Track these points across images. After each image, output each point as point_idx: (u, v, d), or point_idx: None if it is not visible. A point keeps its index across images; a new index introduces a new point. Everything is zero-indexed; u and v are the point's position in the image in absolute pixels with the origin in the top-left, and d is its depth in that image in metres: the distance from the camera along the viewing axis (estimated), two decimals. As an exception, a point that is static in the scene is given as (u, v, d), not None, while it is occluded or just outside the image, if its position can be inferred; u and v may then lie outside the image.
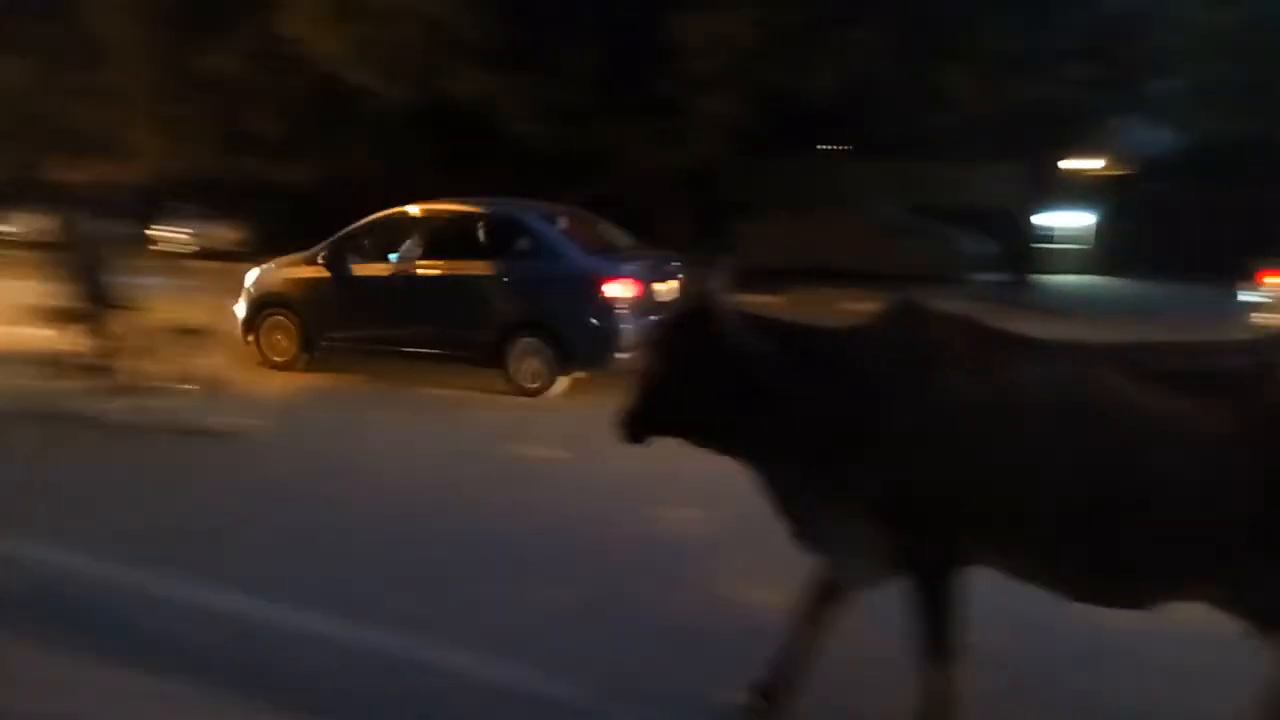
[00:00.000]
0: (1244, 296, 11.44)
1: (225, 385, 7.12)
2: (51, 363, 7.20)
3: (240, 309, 9.59)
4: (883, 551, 2.91)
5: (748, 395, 2.97)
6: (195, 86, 20.29)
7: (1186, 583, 2.75)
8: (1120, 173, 20.06)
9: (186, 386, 7.00)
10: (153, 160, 21.56)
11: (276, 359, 9.31)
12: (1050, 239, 19.79)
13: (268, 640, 3.75)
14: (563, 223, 8.99)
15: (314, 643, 3.73)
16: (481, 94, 16.02)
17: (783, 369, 2.96)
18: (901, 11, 14.81)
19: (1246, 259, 11.47)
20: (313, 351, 9.26)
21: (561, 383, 8.38)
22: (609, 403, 3.17)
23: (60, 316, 7.21)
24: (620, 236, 9.79)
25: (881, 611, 3.02)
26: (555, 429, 7.09)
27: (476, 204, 9.56)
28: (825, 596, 3.12)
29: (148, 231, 21.98)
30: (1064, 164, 18.23)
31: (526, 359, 8.42)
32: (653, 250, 9.54)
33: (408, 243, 9.12)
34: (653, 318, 8.25)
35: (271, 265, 9.79)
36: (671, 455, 3.23)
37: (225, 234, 22.06)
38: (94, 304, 7.18)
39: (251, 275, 9.76)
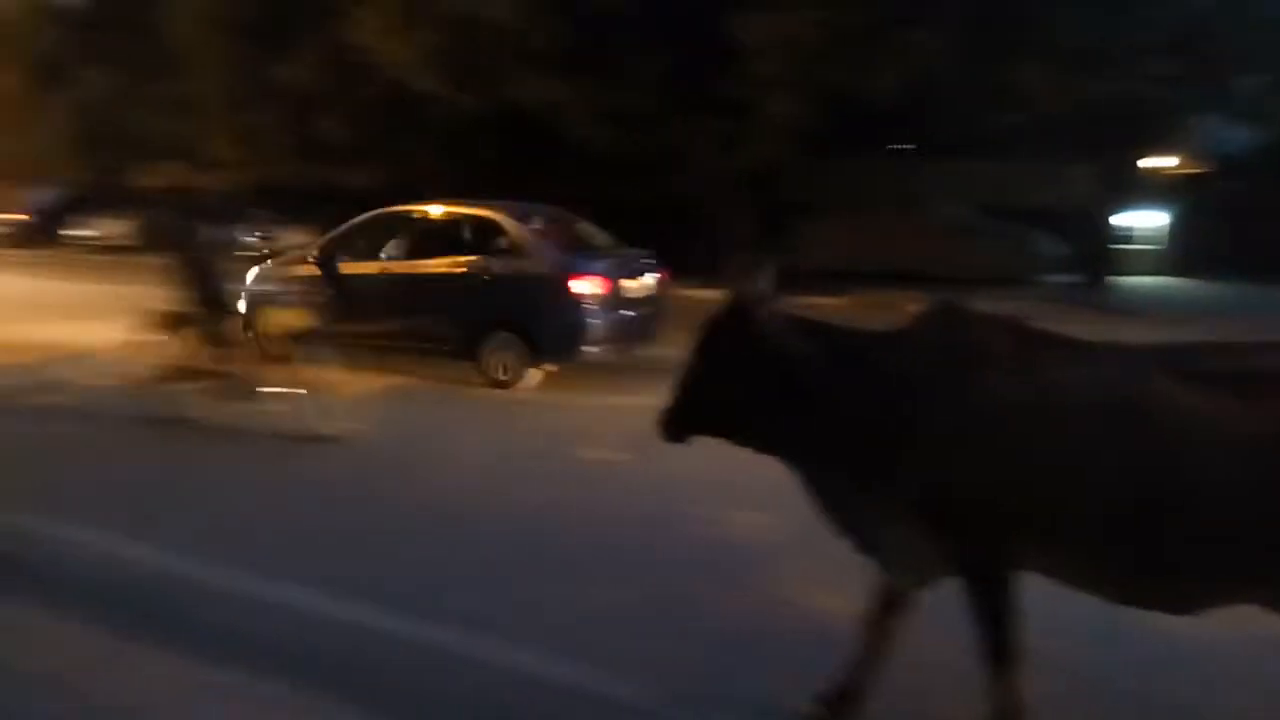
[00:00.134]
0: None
1: (332, 389, 7.03)
2: (162, 366, 7.22)
3: (241, 304, 9.86)
4: (928, 553, 2.91)
5: (787, 396, 2.97)
6: (268, 95, 20.83)
7: (1234, 585, 2.70)
8: (1196, 171, 19.49)
9: (294, 390, 6.95)
10: (228, 167, 22.16)
11: (270, 352, 9.59)
12: (1129, 239, 19.31)
13: (332, 635, 3.81)
14: (537, 223, 9.40)
15: (379, 638, 3.78)
16: (545, 99, 16.13)
17: (822, 370, 2.96)
18: (969, 8, 14.56)
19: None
20: (309, 346, 9.50)
21: (533, 375, 8.71)
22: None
23: (173, 321, 7.22)
24: (598, 236, 10.17)
25: (947, 615, 2.97)
26: (617, 430, 7.12)
27: (455, 205, 10.00)
28: (890, 603, 3.09)
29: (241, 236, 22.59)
30: (1141, 163, 17.77)
31: (498, 352, 8.79)
32: (627, 249, 9.96)
33: (391, 242, 9.73)
34: (623, 313, 9.02)
35: (270, 263, 10.34)
36: (734, 458, 3.22)
37: (294, 238, 22.50)
38: (207, 308, 7.18)
39: (252, 273, 10.10)
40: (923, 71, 14.37)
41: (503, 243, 9.14)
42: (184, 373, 7.16)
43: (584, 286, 8.71)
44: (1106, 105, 14.08)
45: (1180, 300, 16.01)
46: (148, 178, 24.07)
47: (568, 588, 4.33)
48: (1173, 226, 20.14)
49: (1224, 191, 18.40)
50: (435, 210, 9.89)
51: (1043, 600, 2.91)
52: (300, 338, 7.20)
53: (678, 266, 14.36)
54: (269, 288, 9.71)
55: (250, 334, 9.53)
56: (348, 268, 9.59)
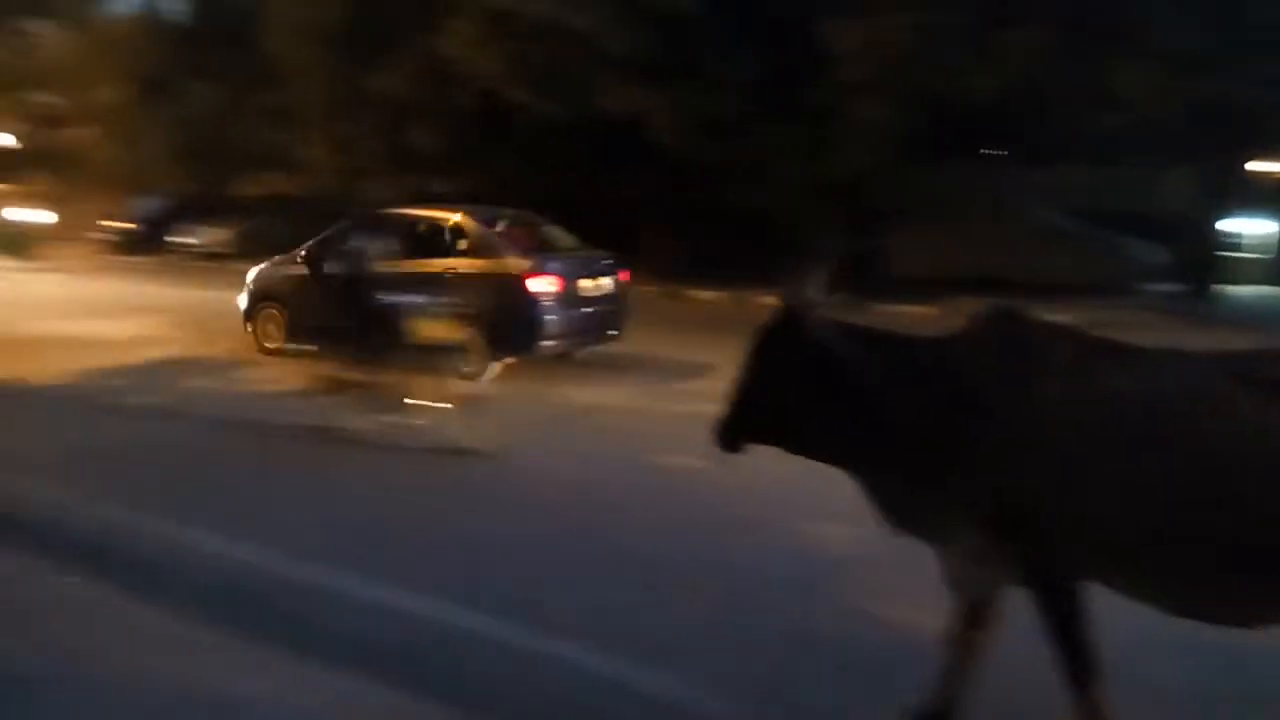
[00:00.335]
0: None
1: (480, 401, 6.88)
2: (310, 376, 7.29)
3: (242, 302, 10.87)
4: (988, 560, 2.86)
5: (839, 402, 2.96)
6: (363, 105, 21.37)
7: None
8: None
9: (440, 404, 6.83)
10: (325, 176, 22.79)
11: (269, 345, 10.52)
12: (1237, 247, 18.51)
13: (420, 635, 3.86)
14: (501, 226, 10.17)
15: (463, 638, 3.82)
16: (631, 107, 16.19)
17: (874, 376, 2.93)
18: (1067, 8, 14.15)
19: None
20: (297, 340, 10.09)
21: (493, 369, 9.08)
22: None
23: (322, 333, 7.31)
24: (563, 238, 10.89)
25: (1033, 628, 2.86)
26: (694, 438, 7.06)
27: (426, 208, 10.87)
28: (974, 617, 3.01)
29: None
30: (1248, 167, 17.03)
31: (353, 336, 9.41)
32: (588, 250, 10.68)
33: (371, 243, 10.19)
34: (579, 310, 9.64)
35: (267, 264, 11.09)
36: (813, 465, 3.17)
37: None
38: (355, 319, 7.20)
39: (252, 273, 11.04)
40: (1019, 74, 14.00)
41: (466, 244, 9.82)
42: (331, 383, 7.15)
43: (540, 285, 9.32)
44: (1211, 107, 13.54)
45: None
46: (250, 186, 24.89)
47: (650, 595, 4.31)
48: (1282, 234, 19.27)
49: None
50: (409, 214, 10.75)
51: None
52: (449, 349, 7.14)
53: (760, 275, 14.27)
54: (263, 286, 10.79)
55: (250, 329, 10.71)
56: (332, 268, 10.07)
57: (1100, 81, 14.04)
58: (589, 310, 9.82)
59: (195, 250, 23.44)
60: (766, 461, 3.21)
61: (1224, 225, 17.13)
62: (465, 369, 7.12)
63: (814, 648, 3.81)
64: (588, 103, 16.91)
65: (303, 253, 10.64)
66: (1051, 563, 2.79)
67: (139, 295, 15.01)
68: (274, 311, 10.63)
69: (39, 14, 25.91)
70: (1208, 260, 16.33)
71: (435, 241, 10.01)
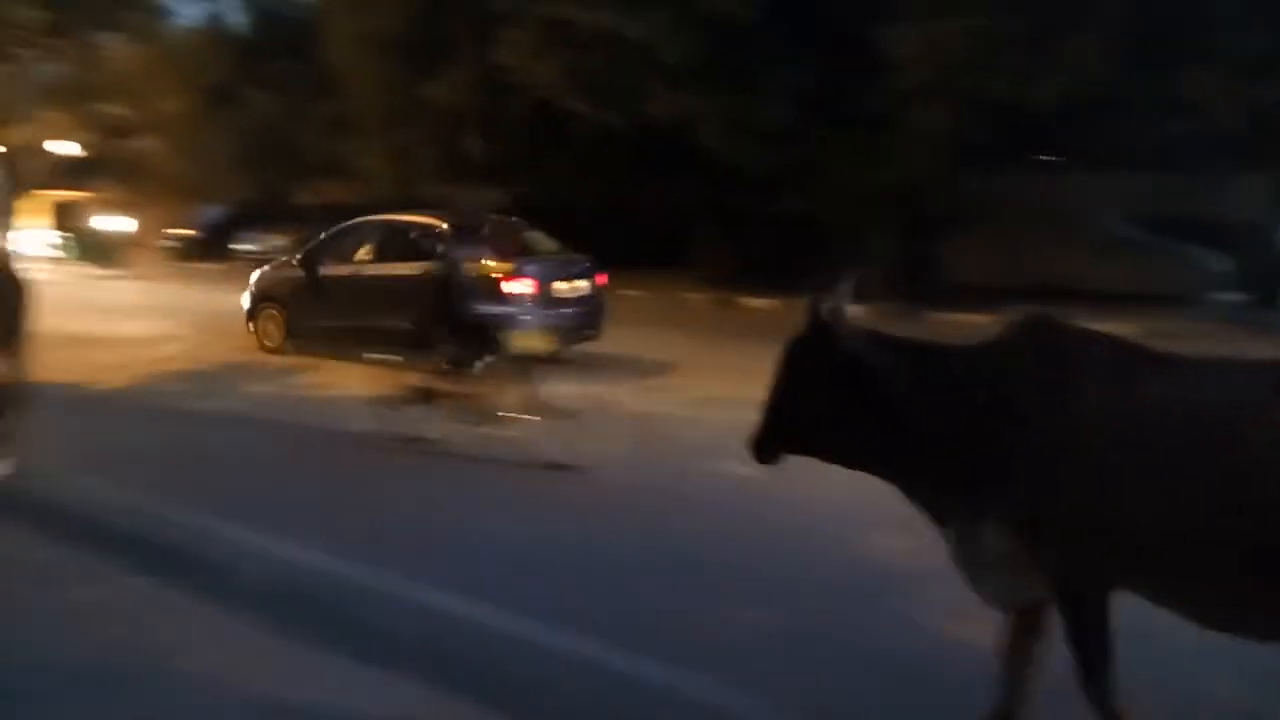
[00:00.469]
0: None
1: (573, 415, 6.60)
2: (401, 385, 7.15)
3: (245, 302, 11.43)
4: (1023, 569, 2.83)
5: (872, 412, 2.96)
6: (419, 113, 21.64)
7: None
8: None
9: (532, 416, 6.72)
10: (382, 183, 23.12)
11: (268, 344, 11.09)
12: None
13: (473, 641, 3.89)
14: (484, 230, 10.48)
15: (531, 650, 3.83)
16: (685, 114, 16.20)
17: (906, 384, 2.93)
18: (1132, 13, 13.88)
19: None
20: (295, 339, 10.86)
21: (475, 366, 9.60)
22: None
23: (416, 342, 7.19)
24: (544, 242, 11.42)
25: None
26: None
27: (412, 214, 11.38)
28: (1027, 628, 2.98)
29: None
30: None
31: (444, 345, 9.45)
32: (567, 254, 11.21)
33: (362, 247, 11.03)
34: (553, 310, 10.15)
35: (268, 267, 11.74)
36: (873, 478, 3.15)
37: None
38: (449, 331, 7.04)
39: (254, 275, 11.63)
40: (1082, 79, 13.76)
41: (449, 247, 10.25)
42: (422, 393, 7.03)
43: (516, 287, 9.79)
44: (1277, 112, 13.20)
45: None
46: (310, 194, 25.31)
47: (710, 605, 4.29)
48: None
49: None
50: (399, 219, 11.27)
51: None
52: (542, 361, 7.02)
53: (813, 283, 14.18)
54: (264, 288, 11.29)
55: (252, 328, 11.23)
56: (326, 270, 10.86)
57: (1165, 87, 13.75)
58: (565, 310, 10.38)
59: (256, 257, 23.90)
60: (822, 471, 3.20)
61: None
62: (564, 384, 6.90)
63: (870, 659, 3.78)
64: (642, 111, 16.95)
65: (299, 256, 11.33)
66: (1080, 571, 2.76)
67: (206, 301, 15.34)
68: (274, 312, 11.17)
69: (108, 27, 26.59)
70: (1273, 269, 15.88)
71: (421, 245, 10.40)
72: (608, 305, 11.08)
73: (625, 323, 11.41)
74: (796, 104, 15.42)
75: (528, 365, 6.91)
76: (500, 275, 9.80)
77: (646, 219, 19.54)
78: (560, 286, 10.35)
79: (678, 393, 8.87)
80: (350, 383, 9.46)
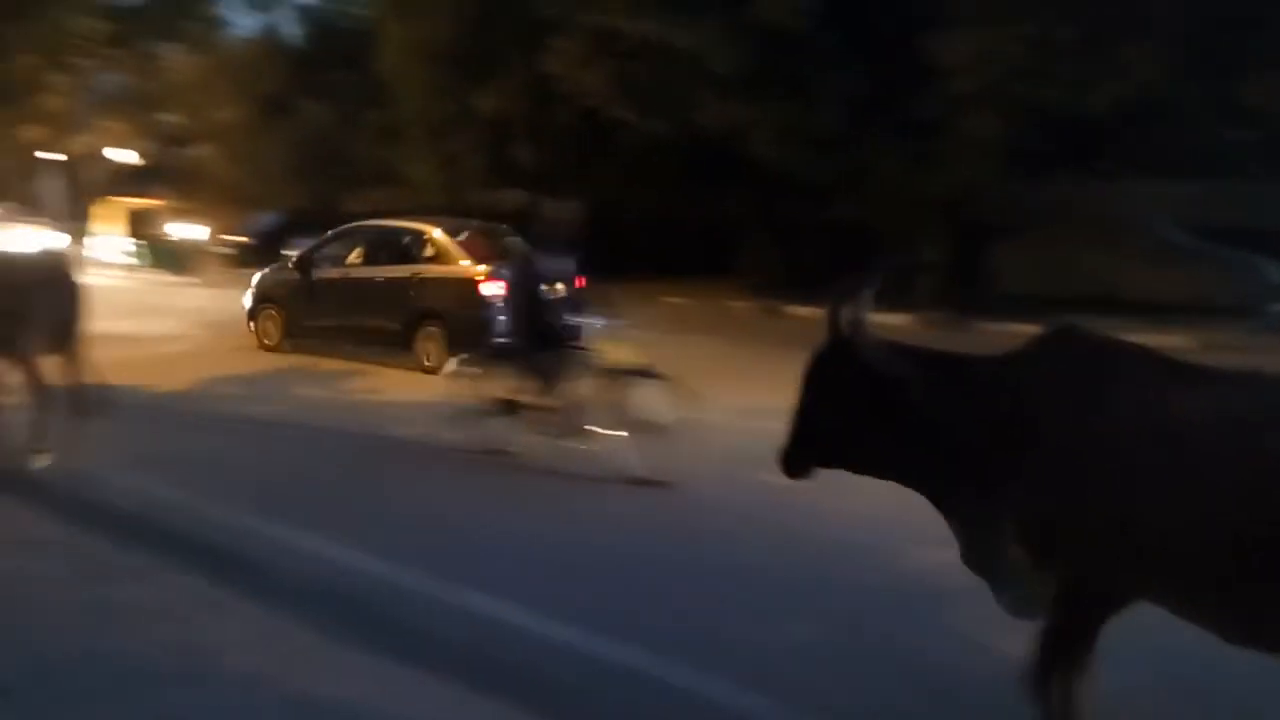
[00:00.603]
0: None
1: (660, 431, 6.37)
2: (483, 397, 6.99)
3: (246, 302, 12.05)
4: (1040, 579, 2.85)
5: (896, 424, 2.98)
6: (467, 122, 21.86)
7: None
8: None
9: (618, 431, 6.52)
10: (431, 191, 23.37)
11: (267, 342, 11.70)
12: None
13: (522, 648, 3.89)
14: (464, 235, 11.13)
15: (561, 653, 3.84)
16: (734, 122, 16.17)
17: (929, 396, 2.94)
18: (1191, 17, 13.61)
19: None
20: (292, 338, 11.49)
21: (451, 363, 9.77)
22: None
23: (497, 353, 7.00)
24: (523, 248, 11.38)
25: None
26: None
27: (399, 220, 12.37)
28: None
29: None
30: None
31: (427, 342, 10.43)
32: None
33: (354, 251, 11.67)
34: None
35: (268, 270, 12.36)
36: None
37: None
38: (534, 341, 6.79)
39: (255, 278, 12.32)
40: (1136, 86, 13.51)
41: (431, 251, 10.95)
42: (505, 405, 6.89)
43: (492, 288, 9.89)
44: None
45: None
46: (360, 202, 25.65)
47: (751, 615, 4.27)
48: None
49: None
50: (387, 224, 12.27)
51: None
52: (632, 374, 6.65)
53: (832, 288, 14.04)
54: (263, 289, 11.85)
55: (252, 327, 11.85)
56: (320, 273, 11.51)
57: (1220, 93, 13.47)
58: None
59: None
60: (864, 482, 3.21)
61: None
62: (653, 398, 6.54)
63: (918, 674, 3.73)
64: (690, 119, 16.96)
65: (295, 259, 11.97)
66: (1090, 580, 2.76)
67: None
68: (273, 312, 11.77)
69: (167, 38, 27.20)
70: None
71: (407, 249, 11.24)
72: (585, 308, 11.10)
73: (671, 331, 11.41)
74: (847, 111, 15.32)
75: (615, 378, 6.61)
76: (477, 278, 10.29)
77: (693, 227, 19.54)
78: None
79: (722, 401, 8.81)
80: (400, 388, 9.57)
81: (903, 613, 4.33)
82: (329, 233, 12.27)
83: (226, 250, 25.94)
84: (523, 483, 6.48)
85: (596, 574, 4.79)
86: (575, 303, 6.95)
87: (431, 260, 10.93)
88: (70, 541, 4.96)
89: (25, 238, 19.85)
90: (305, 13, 29.50)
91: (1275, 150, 14.41)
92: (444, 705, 3.44)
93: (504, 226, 12.64)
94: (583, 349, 6.74)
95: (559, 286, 7.04)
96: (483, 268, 10.42)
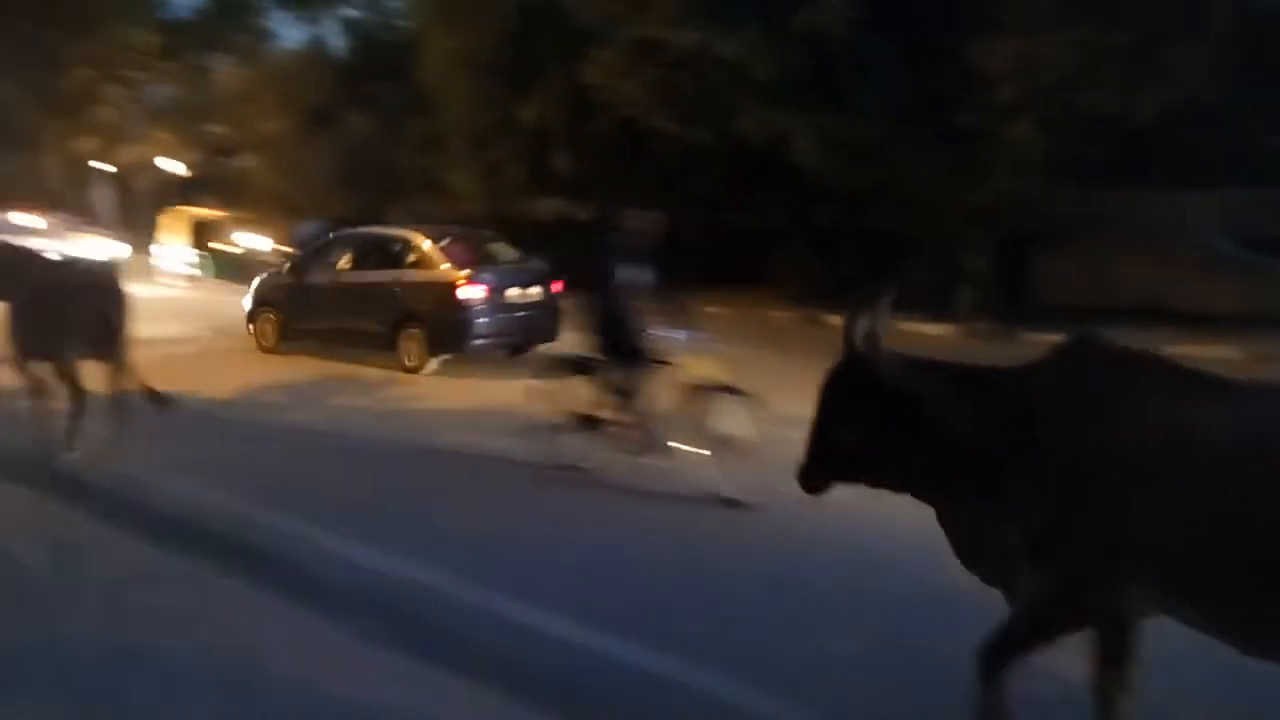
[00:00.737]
0: None
1: (745, 451, 6.12)
2: (560, 412, 6.75)
3: (246, 305, 12.57)
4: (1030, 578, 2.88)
5: (914, 438, 2.99)
6: (508, 131, 22.02)
7: None
8: None
9: (701, 449, 6.30)
10: (472, 200, 23.56)
11: (265, 343, 12.18)
12: None
13: (572, 660, 3.90)
14: (445, 241, 11.53)
15: (614, 668, 3.84)
16: (774, 131, 16.12)
17: (948, 410, 2.95)
18: (1238, 24, 13.36)
19: None
20: (287, 340, 12.00)
21: (432, 363, 10.78)
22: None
23: (576, 365, 6.76)
24: (505, 252, 12.46)
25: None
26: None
27: (384, 228, 13.28)
28: (1113, 655, 2.91)
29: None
30: None
31: (409, 343, 10.88)
32: (524, 264, 12.20)
33: (345, 256, 12.16)
34: (506, 315, 11.09)
35: (267, 275, 12.91)
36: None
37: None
38: (616, 354, 6.50)
39: (254, 282, 12.83)
40: (1187, 93, 13.27)
41: (414, 256, 11.36)
42: (583, 420, 6.64)
43: (469, 292, 10.74)
44: None
45: None
46: (403, 211, 25.92)
47: (794, 628, 4.24)
48: None
49: None
50: (374, 231, 12.92)
51: None
52: (715, 389, 6.37)
53: (903, 300, 13.92)
54: (262, 293, 12.36)
55: (251, 329, 12.34)
56: (313, 278, 12.04)
57: (1275, 100, 13.20)
58: (517, 315, 11.29)
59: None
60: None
61: None
62: (736, 415, 6.25)
63: (957, 688, 3.67)
64: (730, 127, 16.93)
65: (289, 265, 12.64)
66: (1073, 587, 2.78)
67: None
68: (270, 315, 12.25)
69: (216, 50, 27.73)
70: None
71: (392, 255, 11.69)
72: (561, 311, 11.54)
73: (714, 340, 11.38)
74: (889, 119, 15.19)
75: (698, 394, 6.34)
76: (455, 282, 10.81)
77: (732, 236, 19.50)
78: (513, 293, 11.25)
79: (764, 411, 8.78)
80: (439, 396, 9.64)
81: (945, 625, 4.25)
82: (320, 240, 13.04)
83: (283, 259, 26.31)
84: (568, 494, 6.41)
85: (643, 584, 4.78)
86: (657, 315, 6.65)
87: (414, 265, 11.40)
88: (114, 543, 5.06)
89: (85, 247, 20.37)
90: (350, 25, 29.90)
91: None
92: (483, 713, 3.45)
93: (488, 232, 13.45)
94: (665, 363, 6.50)
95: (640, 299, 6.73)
96: (463, 272, 10.94)
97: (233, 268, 23.20)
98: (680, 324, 6.68)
